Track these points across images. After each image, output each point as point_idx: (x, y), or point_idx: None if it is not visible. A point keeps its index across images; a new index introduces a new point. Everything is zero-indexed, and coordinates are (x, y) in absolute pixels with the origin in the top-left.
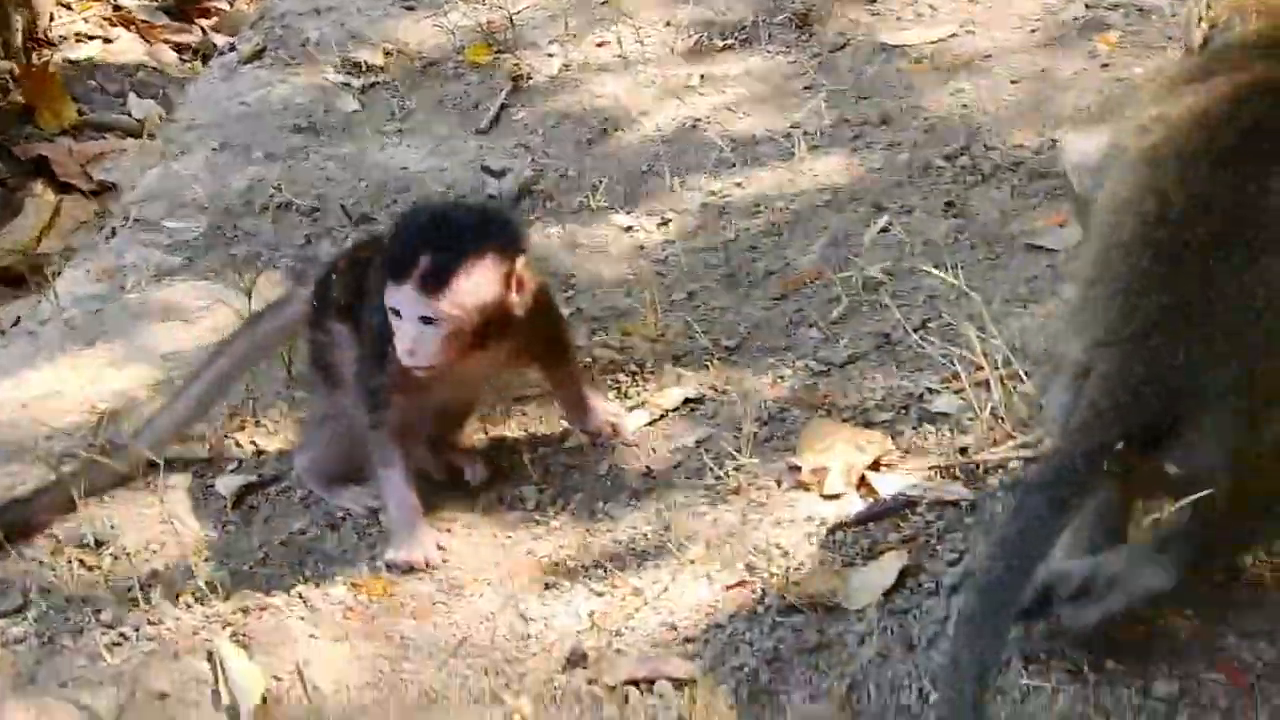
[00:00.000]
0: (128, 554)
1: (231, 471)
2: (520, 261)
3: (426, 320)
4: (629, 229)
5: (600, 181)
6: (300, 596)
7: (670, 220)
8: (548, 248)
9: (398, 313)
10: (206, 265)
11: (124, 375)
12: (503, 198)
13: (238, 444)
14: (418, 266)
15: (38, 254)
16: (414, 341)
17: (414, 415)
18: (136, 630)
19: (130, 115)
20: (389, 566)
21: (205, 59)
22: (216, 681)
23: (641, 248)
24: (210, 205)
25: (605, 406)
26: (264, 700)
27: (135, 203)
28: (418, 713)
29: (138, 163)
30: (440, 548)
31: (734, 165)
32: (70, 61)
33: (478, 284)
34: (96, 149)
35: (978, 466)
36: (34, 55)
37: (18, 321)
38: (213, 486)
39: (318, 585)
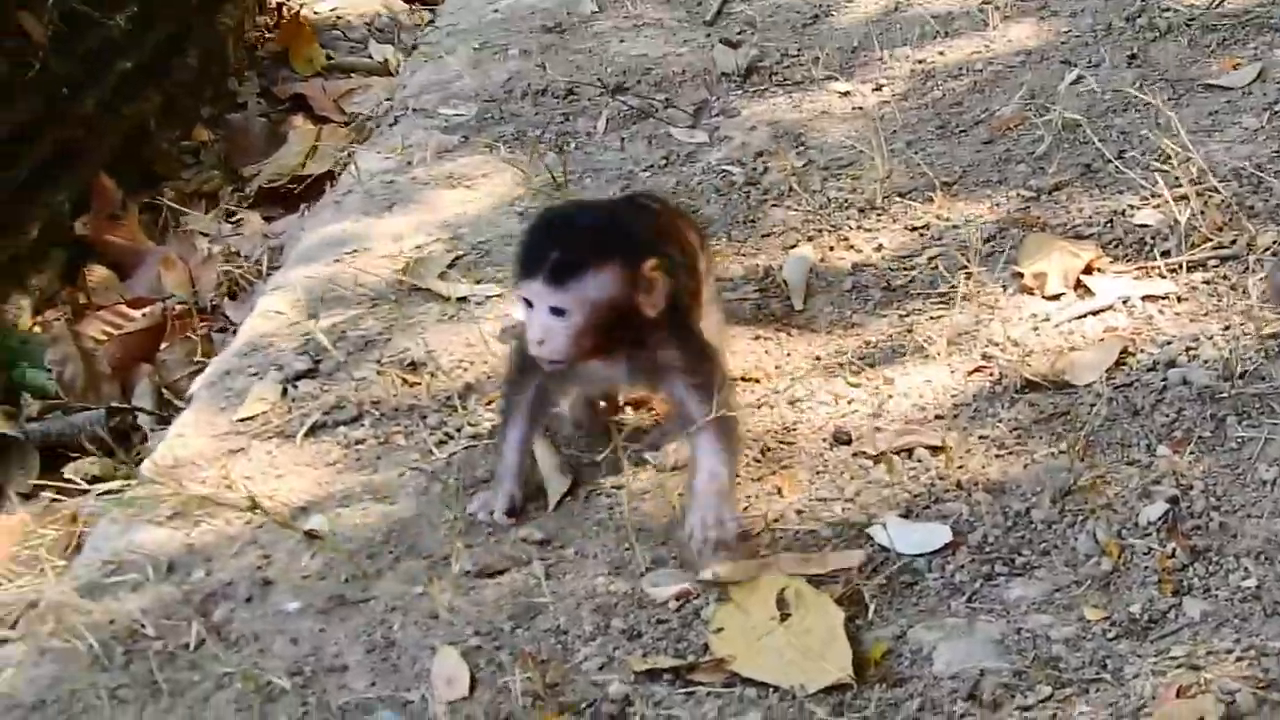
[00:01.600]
0: (444, 371)
1: None
2: (650, 263)
3: (556, 312)
4: (846, 94)
5: (818, 57)
6: None
7: (883, 85)
8: (775, 113)
9: (529, 303)
10: (480, 141)
11: (419, 233)
12: (736, 71)
13: None
14: (548, 260)
15: (304, 175)
16: (544, 332)
17: (550, 400)
18: (459, 430)
19: (371, 58)
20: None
21: (433, 6)
22: None
23: (859, 108)
24: (477, 94)
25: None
26: None
27: (412, 95)
28: None
29: (382, 95)
30: (510, 515)
31: (936, 36)
32: (315, 14)
33: (605, 278)
34: (345, 86)
35: (1179, 266)
36: (284, 10)
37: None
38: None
39: None
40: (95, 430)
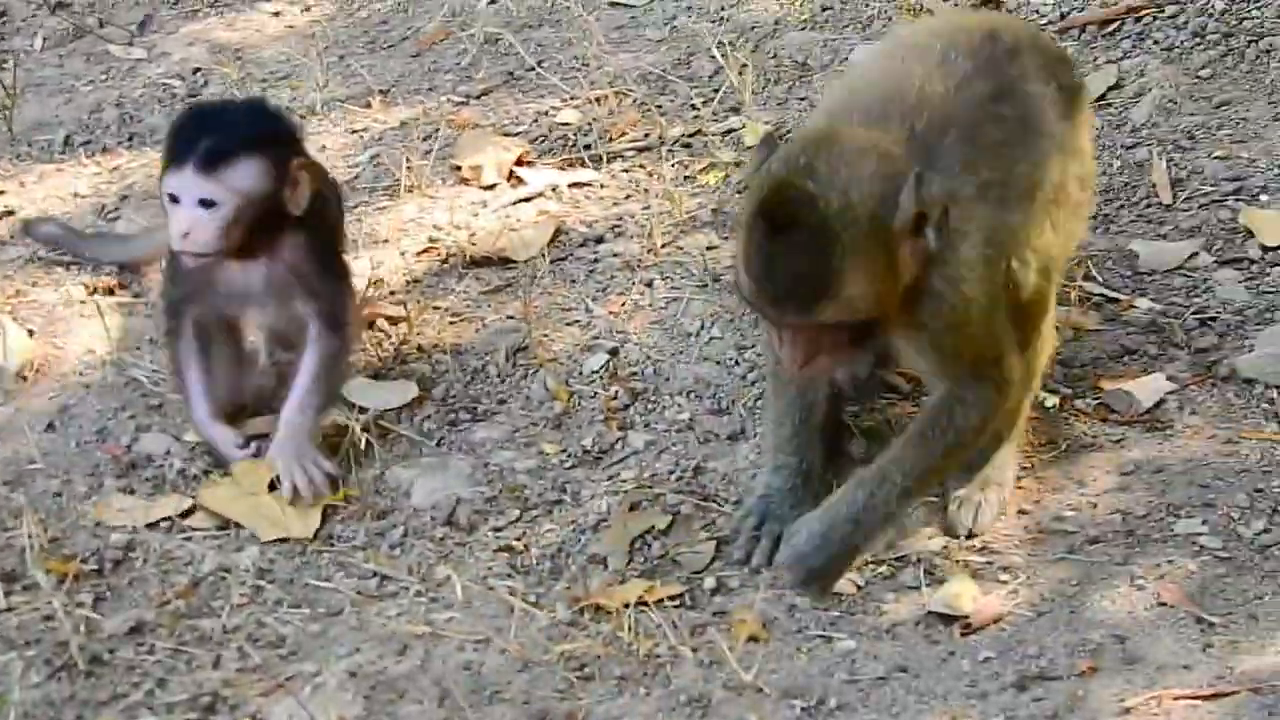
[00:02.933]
0: None
1: None
2: (298, 160)
3: (205, 204)
4: (278, 14)
5: None
6: None
7: (312, 6)
8: (211, 32)
9: (175, 198)
10: None
11: None
12: None
13: None
14: (197, 150)
15: None
16: (190, 224)
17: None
18: None
19: None
20: None
21: None
22: None
23: (291, 27)
24: None
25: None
26: None
27: None
28: None
29: None
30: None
31: None
32: None
33: (254, 169)
34: None
35: (601, 158)
36: None
37: None
38: None
39: None
40: None
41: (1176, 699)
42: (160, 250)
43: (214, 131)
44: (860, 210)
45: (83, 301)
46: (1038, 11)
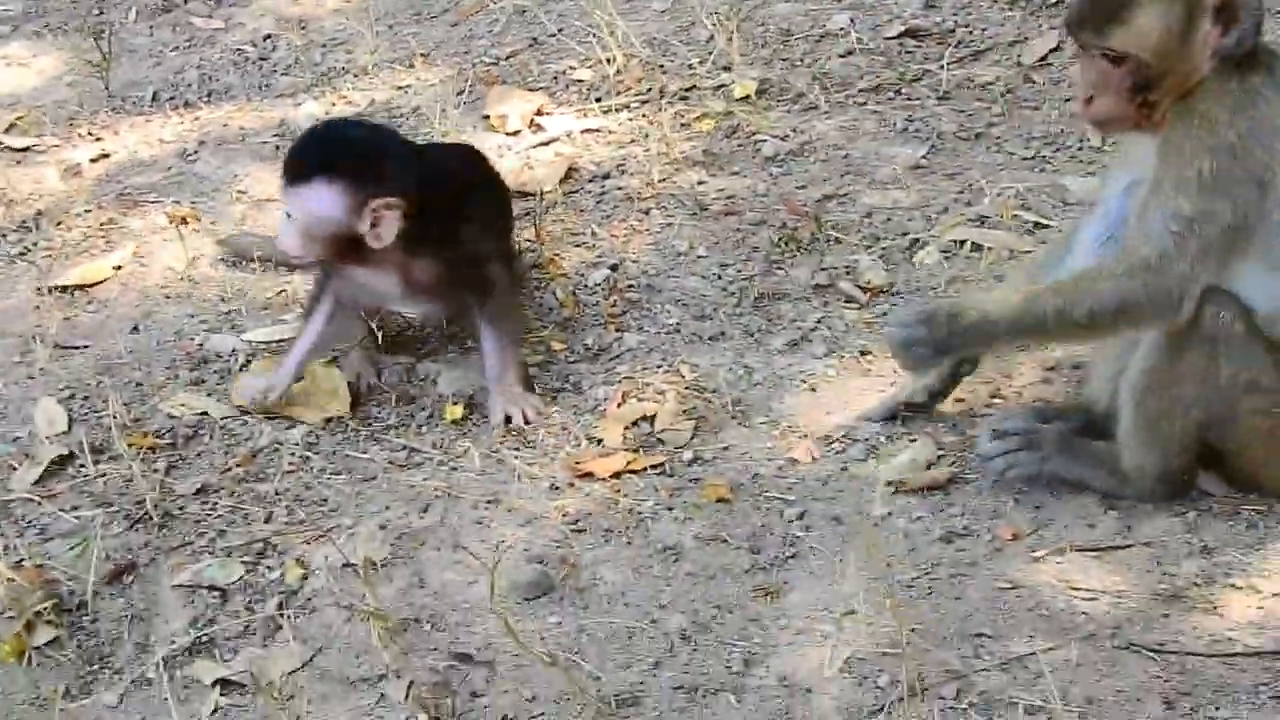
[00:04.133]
0: (18, 202)
1: None
2: (380, 201)
3: (288, 214)
4: None
5: None
6: None
7: None
8: (278, 6)
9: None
10: (29, 30)
11: None
12: None
13: None
14: (289, 163)
15: None
16: (279, 229)
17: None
18: (34, 244)
19: None
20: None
21: None
22: None
23: (348, 2)
24: None
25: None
26: None
27: None
28: None
29: None
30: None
31: None
32: None
33: (323, 195)
34: None
35: (610, 109)
36: None
37: None
38: None
39: None
40: None
41: (1079, 550)
42: None
43: (306, 151)
44: None
45: (164, 228)
46: None
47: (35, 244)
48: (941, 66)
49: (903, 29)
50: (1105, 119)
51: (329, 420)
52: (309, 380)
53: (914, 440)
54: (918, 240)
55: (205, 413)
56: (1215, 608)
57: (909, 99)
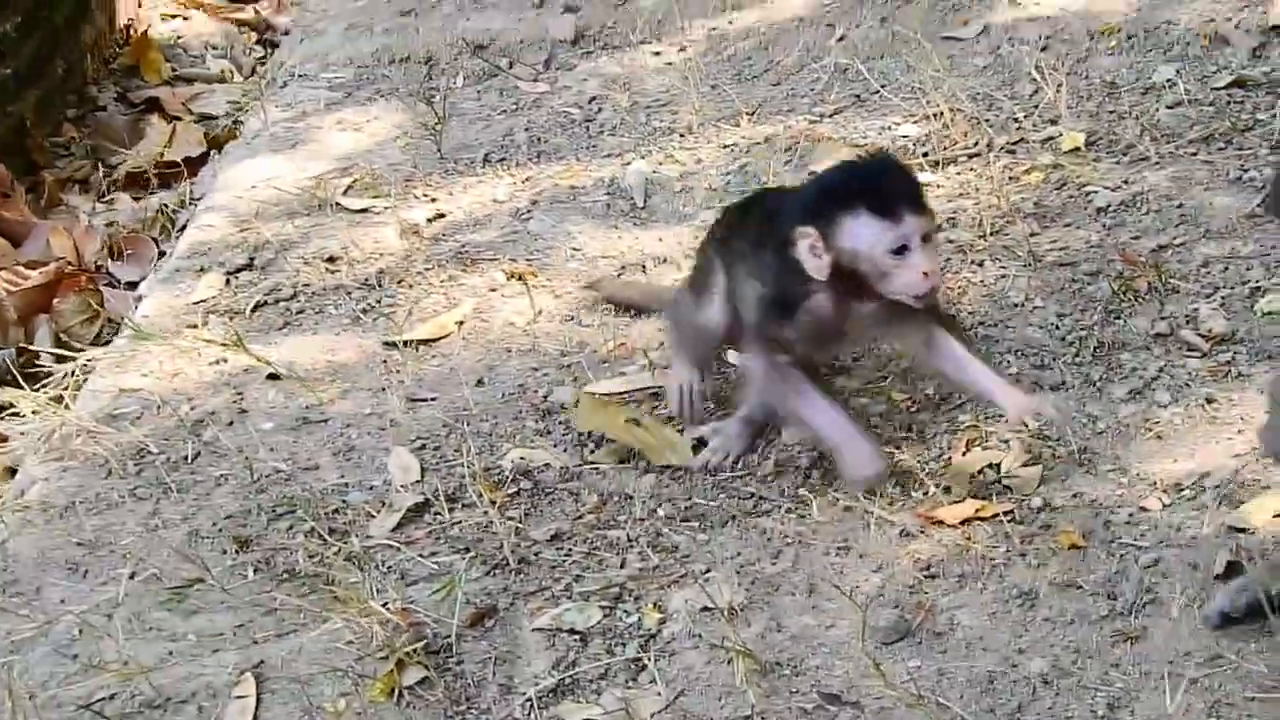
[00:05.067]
0: (358, 262)
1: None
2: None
3: (926, 238)
4: (658, 53)
5: (634, 25)
6: None
7: (687, 47)
8: (603, 69)
9: (905, 248)
10: (361, 96)
11: (321, 163)
12: (567, 38)
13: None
14: (917, 192)
15: (165, 161)
16: (934, 259)
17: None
18: (378, 301)
19: (209, 69)
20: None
21: (258, 31)
22: None
23: (670, 64)
24: (351, 60)
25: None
26: None
27: (295, 64)
28: None
29: (223, 98)
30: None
31: (726, 9)
32: (159, 34)
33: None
34: (190, 92)
35: (938, 162)
36: (132, 30)
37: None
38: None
39: None
40: (5, 364)
41: None
42: None
43: (909, 177)
44: None
45: (503, 285)
46: None
47: (379, 301)
48: (1273, 116)
49: (1231, 79)
50: None
51: (671, 469)
52: (649, 431)
53: (1266, 489)
54: (1259, 288)
55: (550, 464)
56: None
57: (1240, 149)
